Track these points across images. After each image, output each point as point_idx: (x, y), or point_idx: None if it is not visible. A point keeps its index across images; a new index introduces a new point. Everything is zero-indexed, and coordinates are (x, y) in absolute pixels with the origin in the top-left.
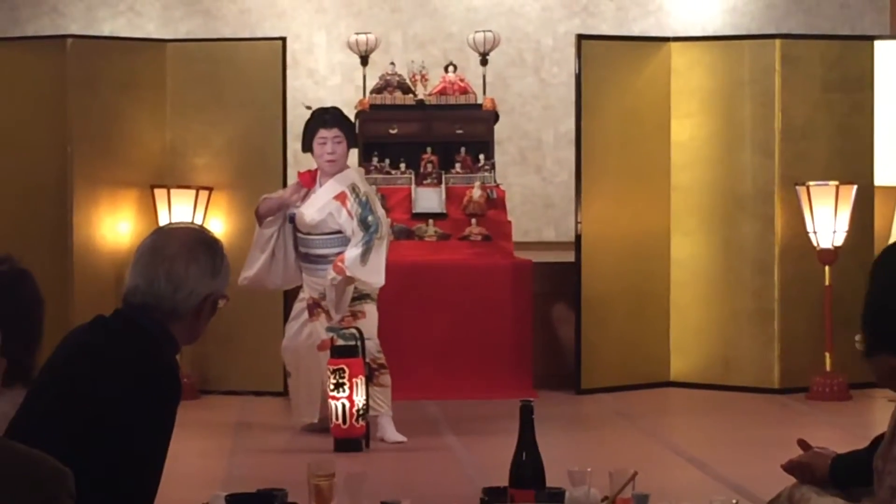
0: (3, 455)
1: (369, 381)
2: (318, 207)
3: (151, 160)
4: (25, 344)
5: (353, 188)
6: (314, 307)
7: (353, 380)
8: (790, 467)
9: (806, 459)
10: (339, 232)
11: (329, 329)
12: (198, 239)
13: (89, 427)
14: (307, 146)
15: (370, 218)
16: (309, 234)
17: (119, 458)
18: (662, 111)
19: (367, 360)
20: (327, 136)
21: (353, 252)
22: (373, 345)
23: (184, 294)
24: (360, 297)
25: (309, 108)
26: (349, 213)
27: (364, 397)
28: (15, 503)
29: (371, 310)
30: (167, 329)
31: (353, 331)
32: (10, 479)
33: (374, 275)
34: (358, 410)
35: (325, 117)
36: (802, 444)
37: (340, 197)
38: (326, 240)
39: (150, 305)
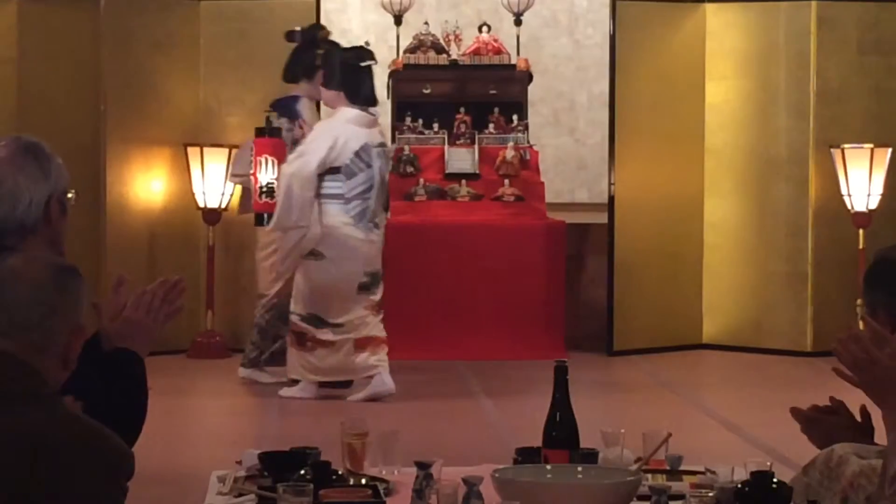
0: (77, 428)
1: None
2: None
3: (184, 119)
4: None
5: None
6: None
7: (258, 158)
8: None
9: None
10: None
11: None
12: (16, 149)
13: None
14: None
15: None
16: None
17: None
18: (697, 73)
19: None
20: None
21: None
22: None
23: (24, 207)
24: None
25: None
26: None
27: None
28: (80, 477)
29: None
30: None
31: None
32: (81, 452)
33: None
34: (261, 188)
35: None
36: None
37: None
38: None
39: None
